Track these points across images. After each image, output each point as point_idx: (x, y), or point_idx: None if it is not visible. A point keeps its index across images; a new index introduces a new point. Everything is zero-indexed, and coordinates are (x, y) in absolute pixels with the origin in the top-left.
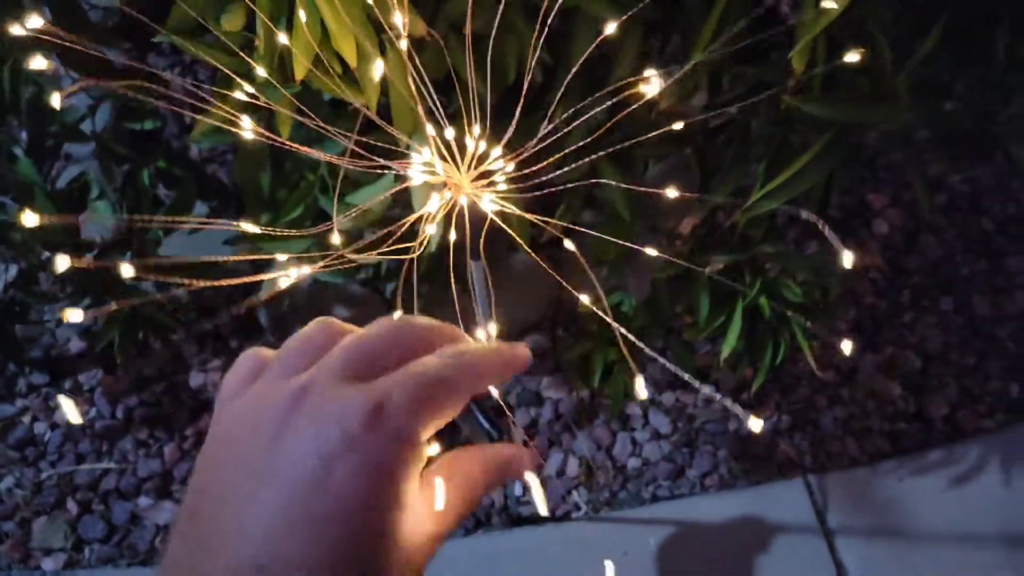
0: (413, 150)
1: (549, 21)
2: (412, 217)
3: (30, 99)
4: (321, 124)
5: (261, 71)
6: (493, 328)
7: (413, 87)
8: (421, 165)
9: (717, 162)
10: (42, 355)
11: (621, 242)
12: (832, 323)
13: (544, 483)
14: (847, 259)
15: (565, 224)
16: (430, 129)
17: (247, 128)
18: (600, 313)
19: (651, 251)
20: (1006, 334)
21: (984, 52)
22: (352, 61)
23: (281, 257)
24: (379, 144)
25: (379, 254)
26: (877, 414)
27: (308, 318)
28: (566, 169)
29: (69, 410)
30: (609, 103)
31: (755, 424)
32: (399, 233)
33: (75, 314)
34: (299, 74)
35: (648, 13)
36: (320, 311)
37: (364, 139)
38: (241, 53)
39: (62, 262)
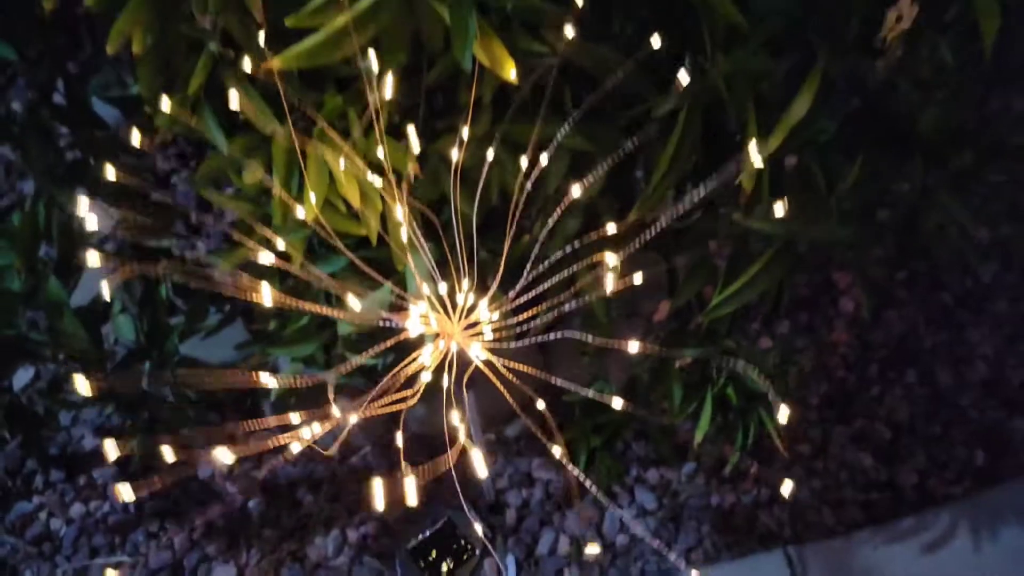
0: (408, 287)
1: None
2: (408, 368)
3: (62, 225)
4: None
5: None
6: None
7: (412, 232)
8: (418, 315)
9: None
10: (58, 452)
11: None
12: (796, 408)
13: (537, 562)
14: (783, 414)
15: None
16: (426, 288)
17: (266, 293)
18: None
19: (632, 346)
20: (968, 403)
21: (903, 172)
22: (356, 203)
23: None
24: (377, 258)
25: (380, 406)
26: (850, 484)
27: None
28: (548, 285)
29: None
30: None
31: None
32: (397, 372)
33: (126, 490)
34: (309, 217)
35: (615, 141)
36: (322, 405)
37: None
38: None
39: (82, 384)
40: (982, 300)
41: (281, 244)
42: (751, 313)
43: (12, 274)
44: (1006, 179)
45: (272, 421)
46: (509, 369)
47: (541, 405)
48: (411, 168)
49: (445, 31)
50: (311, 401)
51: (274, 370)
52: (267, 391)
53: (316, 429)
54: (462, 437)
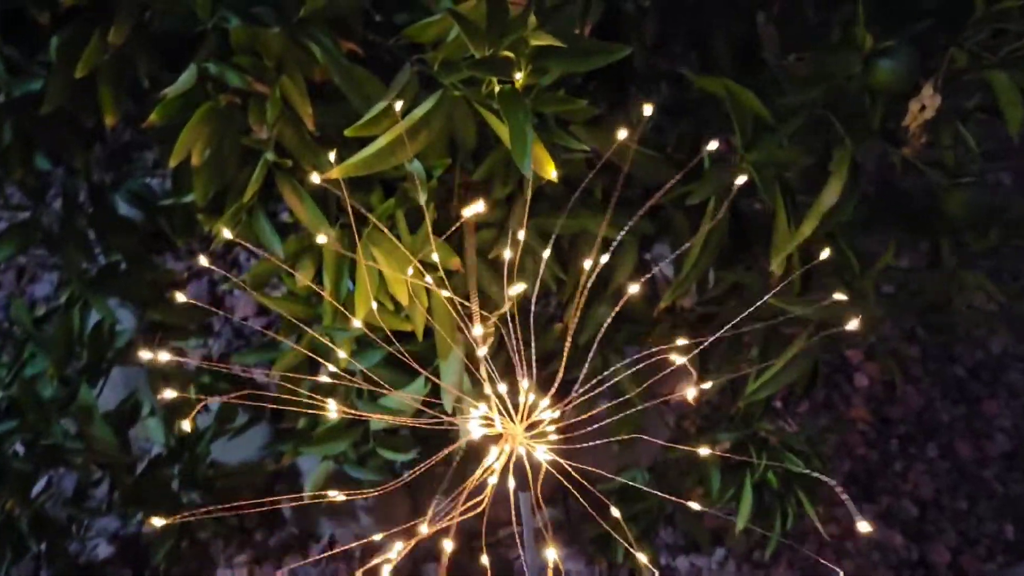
0: (469, 404)
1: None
2: (475, 476)
3: (92, 330)
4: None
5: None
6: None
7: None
8: (479, 417)
9: (714, 351)
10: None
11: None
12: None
13: None
14: (863, 527)
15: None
16: (487, 389)
17: (332, 409)
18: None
19: (660, 441)
20: (992, 475)
21: (934, 253)
22: (405, 301)
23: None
24: (415, 351)
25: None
26: (883, 564)
27: (333, 509)
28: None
29: None
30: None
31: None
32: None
33: None
34: (360, 315)
35: (640, 227)
36: (343, 504)
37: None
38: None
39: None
40: (995, 371)
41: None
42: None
43: (45, 381)
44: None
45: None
46: (575, 468)
47: (616, 513)
48: (453, 264)
49: (478, 130)
50: (334, 502)
51: (293, 468)
52: (292, 494)
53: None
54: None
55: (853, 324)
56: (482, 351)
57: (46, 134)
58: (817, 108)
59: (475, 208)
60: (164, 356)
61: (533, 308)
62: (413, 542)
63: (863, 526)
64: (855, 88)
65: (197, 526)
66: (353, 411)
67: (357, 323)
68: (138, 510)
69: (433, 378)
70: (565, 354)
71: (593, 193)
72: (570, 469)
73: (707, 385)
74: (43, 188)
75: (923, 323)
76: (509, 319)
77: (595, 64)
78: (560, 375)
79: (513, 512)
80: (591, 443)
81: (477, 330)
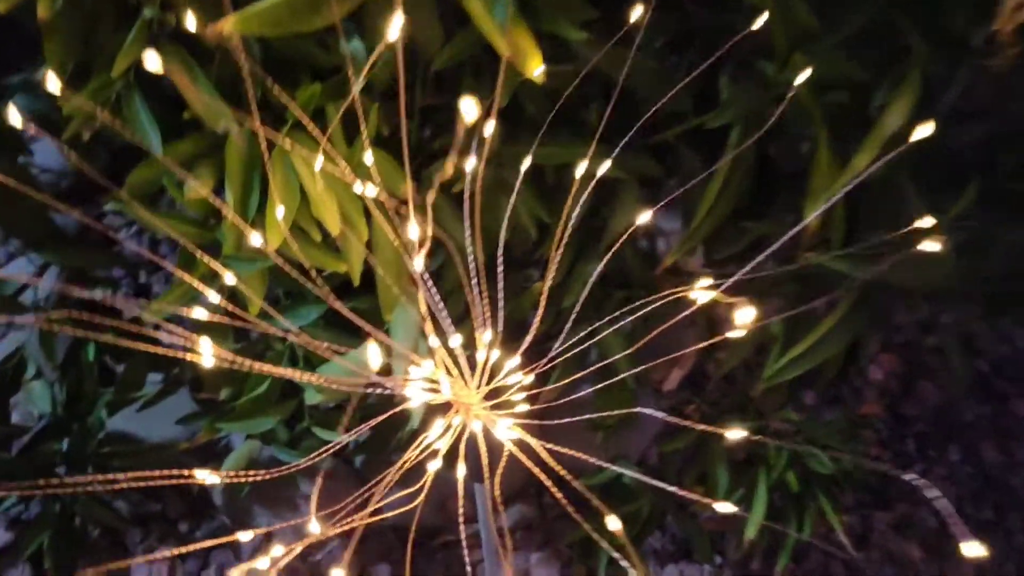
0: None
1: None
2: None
3: None
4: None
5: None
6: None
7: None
8: (422, 379)
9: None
10: None
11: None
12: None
13: None
14: (972, 550)
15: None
16: (433, 340)
17: (206, 350)
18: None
19: (656, 414)
20: (1020, 483)
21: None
22: (334, 229)
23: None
24: (359, 308)
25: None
26: None
27: (267, 498)
28: (566, 344)
29: None
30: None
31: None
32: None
33: None
34: (272, 244)
35: (643, 167)
36: (283, 488)
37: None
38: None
39: None
40: (1022, 368)
41: (232, 280)
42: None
43: None
44: None
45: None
46: (550, 451)
47: (614, 522)
48: (404, 191)
49: (444, 29)
50: (271, 489)
51: (227, 449)
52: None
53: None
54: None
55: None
56: (418, 262)
57: None
58: (878, 7)
59: None
60: None
61: (500, 255)
62: (305, 543)
63: (971, 548)
64: None
65: (102, 517)
66: (231, 357)
67: (257, 240)
68: (11, 496)
69: (383, 337)
70: (540, 312)
71: (586, 118)
72: (542, 452)
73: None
74: None
75: (991, 294)
76: (472, 259)
77: None
78: (533, 332)
79: (461, 507)
80: (568, 420)
81: (413, 232)
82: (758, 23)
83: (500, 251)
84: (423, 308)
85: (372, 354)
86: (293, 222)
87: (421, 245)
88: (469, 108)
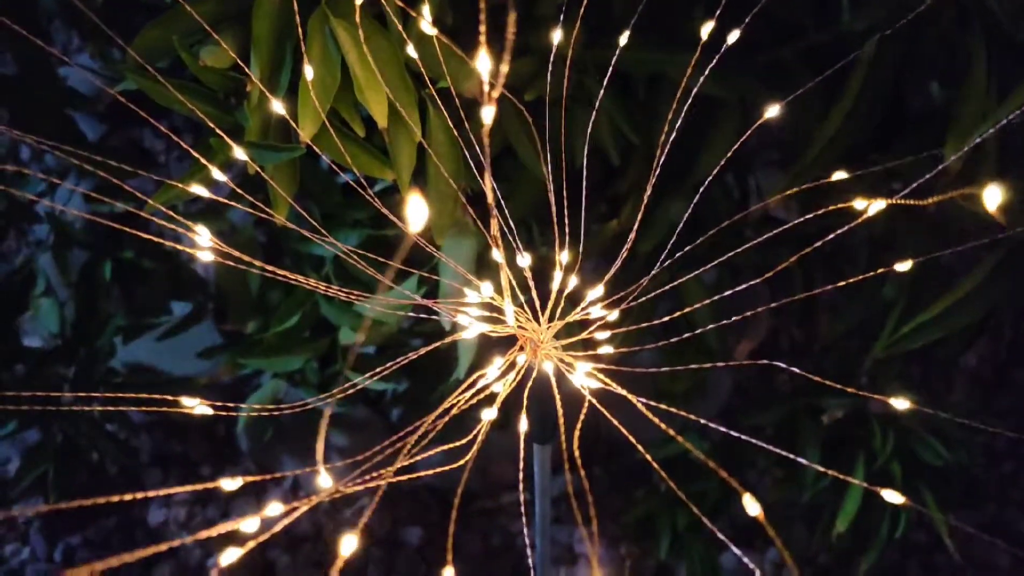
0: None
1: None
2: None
3: None
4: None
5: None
6: None
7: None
8: (480, 308)
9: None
10: None
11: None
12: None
13: None
14: None
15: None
16: (498, 255)
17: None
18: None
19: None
20: None
21: None
22: (382, 121)
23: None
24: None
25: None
26: None
27: (297, 446)
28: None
29: None
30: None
31: None
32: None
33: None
34: (306, 134)
35: (749, 87)
36: (312, 436)
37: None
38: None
39: None
40: None
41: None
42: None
43: None
44: None
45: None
46: (641, 402)
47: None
48: (470, 88)
49: None
50: (297, 434)
51: (254, 387)
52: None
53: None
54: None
55: None
56: (487, 112)
57: None
58: None
59: None
60: None
61: (585, 178)
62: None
63: None
64: None
65: (109, 450)
66: (242, 257)
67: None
68: (11, 420)
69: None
70: (623, 256)
71: (686, 22)
72: (609, 415)
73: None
74: None
75: None
76: (548, 177)
77: None
78: (618, 262)
79: (521, 469)
80: (655, 371)
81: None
82: None
83: (584, 169)
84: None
85: (413, 208)
86: (331, 108)
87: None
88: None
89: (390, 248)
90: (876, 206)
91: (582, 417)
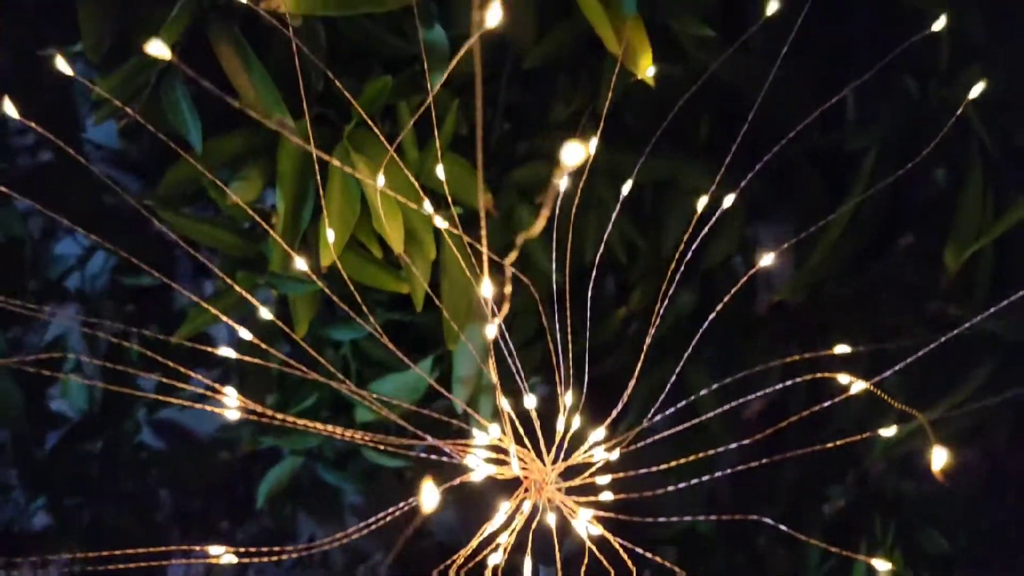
0: (475, 425)
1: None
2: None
3: (11, 244)
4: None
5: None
6: None
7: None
8: (485, 447)
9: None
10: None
11: None
12: None
13: None
14: None
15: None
16: (505, 403)
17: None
18: None
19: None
20: None
21: None
22: (398, 247)
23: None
24: (416, 320)
25: None
26: None
27: (314, 504)
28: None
29: None
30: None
31: None
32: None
33: None
34: (326, 260)
35: (755, 189)
36: (329, 496)
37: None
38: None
39: None
40: None
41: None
42: None
43: None
44: None
45: None
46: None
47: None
48: (484, 201)
49: (539, 17)
50: (313, 493)
51: (274, 453)
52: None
53: None
54: None
55: None
56: (492, 328)
57: None
58: None
59: None
60: None
61: (592, 286)
62: None
63: None
64: None
65: (118, 515)
66: (264, 411)
67: (302, 265)
68: (41, 495)
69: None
70: (636, 375)
71: (692, 129)
72: (616, 545)
73: None
74: None
75: None
76: (555, 297)
77: None
78: (622, 402)
79: None
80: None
81: (486, 289)
82: (937, 25)
83: (590, 289)
84: (491, 368)
85: (427, 493)
86: (351, 237)
87: (498, 304)
88: (573, 153)
89: (407, 331)
90: (858, 386)
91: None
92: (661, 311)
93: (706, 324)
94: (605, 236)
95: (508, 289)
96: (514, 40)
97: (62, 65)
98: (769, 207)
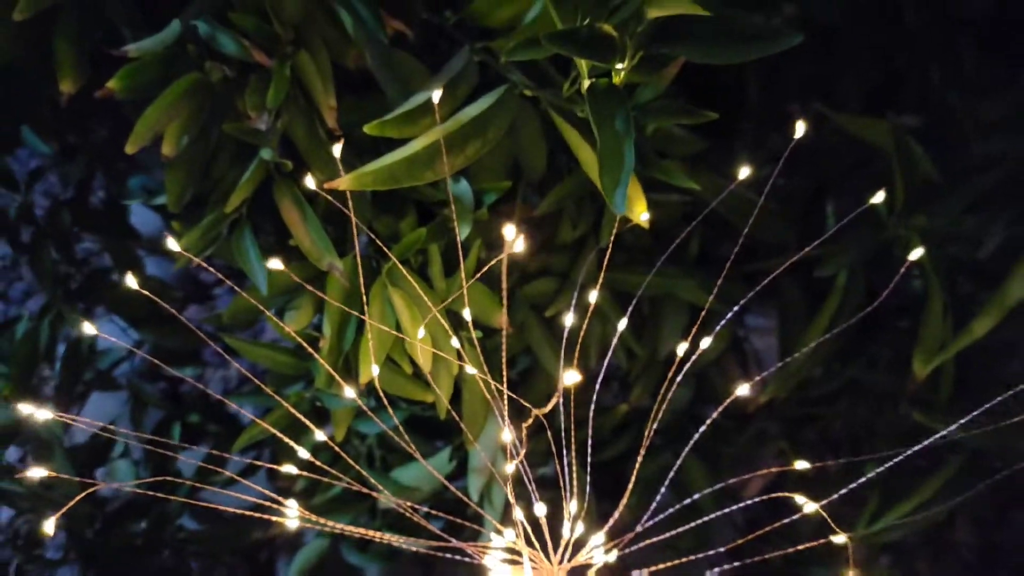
0: (488, 527)
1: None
2: None
3: (71, 346)
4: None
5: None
6: None
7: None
8: (502, 549)
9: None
10: None
11: None
12: None
13: None
14: None
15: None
16: (519, 513)
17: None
18: None
19: None
20: None
21: None
22: (426, 367)
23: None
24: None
25: None
26: None
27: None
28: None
29: None
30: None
31: None
32: None
33: None
34: (364, 377)
35: (742, 297)
36: (348, 569)
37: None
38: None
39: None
40: None
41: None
42: None
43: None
44: None
45: None
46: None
47: None
48: (498, 321)
49: (549, 155)
50: (336, 568)
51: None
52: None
53: None
54: None
55: None
56: (510, 468)
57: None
58: (1007, 171)
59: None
60: None
61: (597, 390)
62: None
63: None
64: None
65: None
66: (313, 519)
67: (351, 393)
68: (92, 570)
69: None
70: (630, 487)
71: (686, 248)
72: None
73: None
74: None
75: None
76: (562, 408)
77: (749, 55)
78: (619, 511)
79: None
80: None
81: (506, 436)
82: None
83: (591, 410)
84: (508, 489)
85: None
86: (386, 356)
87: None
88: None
89: (427, 424)
90: (810, 507)
91: None
92: (662, 408)
93: (704, 427)
94: (611, 346)
95: (524, 432)
96: (525, 166)
97: (172, 244)
98: (755, 309)
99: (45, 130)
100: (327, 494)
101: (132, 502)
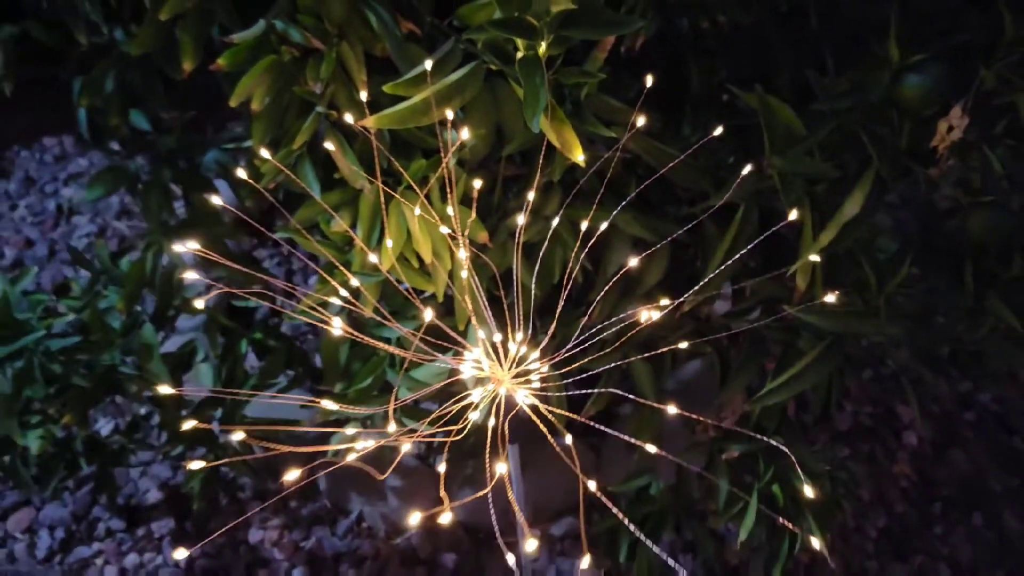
0: (470, 342)
1: (586, 233)
2: (457, 406)
3: (164, 276)
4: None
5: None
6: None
7: (474, 286)
8: (472, 361)
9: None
10: (123, 503)
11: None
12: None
13: None
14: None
15: (594, 413)
16: (481, 333)
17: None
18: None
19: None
20: None
21: (955, 281)
22: (427, 258)
23: (349, 431)
24: (443, 326)
25: (427, 435)
26: None
27: (364, 486)
28: (600, 355)
29: None
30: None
31: None
32: (447, 416)
33: (180, 553)
34: (385, 265)
35: (673, 232)
36: (375, 479)
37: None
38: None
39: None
40: None
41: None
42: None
43: (115, 314)
44: None
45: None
46: (553, 414)
47: (593, 486)
48: (481, 237)
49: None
50: (365, 479)
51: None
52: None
53: (369, 443)
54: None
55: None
56: (464, 273)
57: (142, 87)
58: (849, 123)
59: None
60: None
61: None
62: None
63: None
64: (882, 101)
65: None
66: (356, 333)
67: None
68: (180, 446)
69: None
70: (559, 309)
71: (627, 192)
72: (547, 414)
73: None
74: (137, 143)
75: (949, 354)
76: (515, 274)
77: (611, 32)
78: (549, 334)
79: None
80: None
81: (462, 254)
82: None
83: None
84: (471, 309)
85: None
86: (400, 252)
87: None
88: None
89: (434, 332)
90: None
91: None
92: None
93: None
94: (570, 264)
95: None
96: (508, 131)
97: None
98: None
99: (159, 103)
100: (358, 385)
101: (209, 398)
